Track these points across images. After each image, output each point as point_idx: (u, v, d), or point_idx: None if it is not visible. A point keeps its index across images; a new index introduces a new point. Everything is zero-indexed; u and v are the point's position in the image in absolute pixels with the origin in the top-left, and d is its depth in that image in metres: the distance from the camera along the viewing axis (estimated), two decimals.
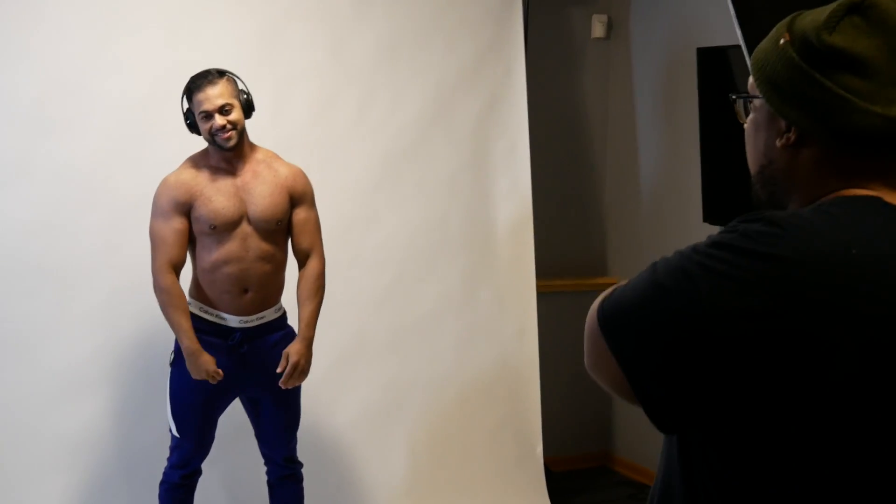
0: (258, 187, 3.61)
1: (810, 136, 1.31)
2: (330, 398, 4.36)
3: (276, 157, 3.72)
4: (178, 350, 3.59)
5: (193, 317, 3.60)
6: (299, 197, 3.69)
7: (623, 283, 1.31)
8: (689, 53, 4.81)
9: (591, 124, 5.52)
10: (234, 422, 3.91)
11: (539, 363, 4.91)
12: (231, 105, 3.51)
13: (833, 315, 1.19)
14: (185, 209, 3.54)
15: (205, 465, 3.76)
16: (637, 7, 5.33)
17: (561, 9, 5.36)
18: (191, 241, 3.59)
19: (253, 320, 3.64)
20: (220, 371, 3.53)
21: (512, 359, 4.87)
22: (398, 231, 4.64)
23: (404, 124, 4.65)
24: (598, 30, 5.43)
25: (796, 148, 1.33)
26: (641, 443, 5.32)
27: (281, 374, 3.63)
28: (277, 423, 3.75)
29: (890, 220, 1.27)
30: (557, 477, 5.19)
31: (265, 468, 3.85)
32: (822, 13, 1.29)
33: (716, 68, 4.62)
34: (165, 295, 3.51)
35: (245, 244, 3.58)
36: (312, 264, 3.72)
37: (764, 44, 1.36)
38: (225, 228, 3.55)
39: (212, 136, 3.52)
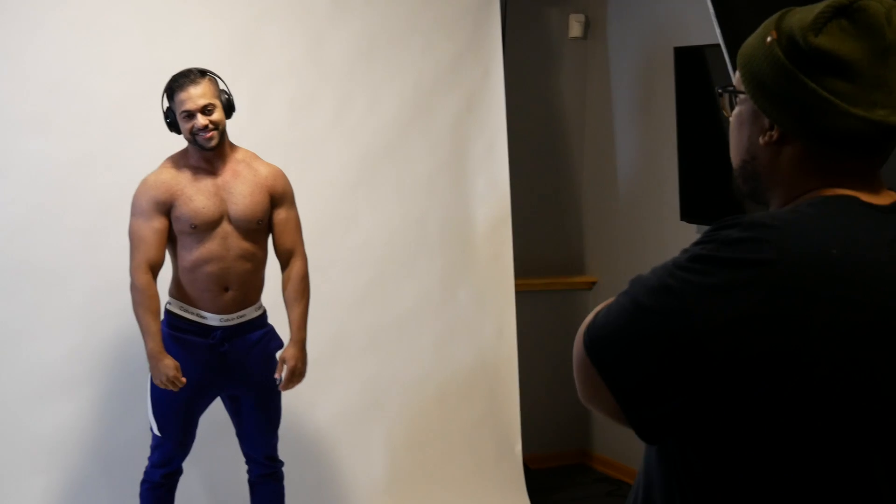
0: (238, 187, 3.61)
1: (792, 135, 1.33)
2: (310, 397, 4.36)
3: (256, 157, 3.72)
4: None
5: (174, 316, 3.61)
6: (279, 197, 3.70)
7: (603, 306, 1.31)
8: (666, 53, 4.84)
9: (568, 124, 5.54)
10: (216, 421, 3.91)
11: (518, 361, 4.93)
12: (213, 105, 3.51)
13: (817, 316, 1.20)
14: (166, 209, 3.54)
15: (186, 464, 3.76)
16: (614, 7, 5.35)
17: (538, 9, 5.38)
18: (171, 240, 3.59)
19: (233, 319, 3.64)
20: (182, 378, 3.51)
21: (491, 357, 4.88)
22: (377, 230, 4.64)
23: (382, 124, 4.65)
24: (575, 29, 5.45)
25: (778, 146, 1.35)
26: (619, 441, 5.35)
27: (263, 372, 3.65)
28: (258, 421, 3.76)
29: (867, 218, 1.29)
30: (536, 474, 5.20)
31: (246, 467, 3.85)
32: (810, 13, 1.30)
33: (693, 68, 4.66)
34: (139, 294, 3.51)
35: (225, 243, 3.59)
36: (297, 266, 3.73)
37: (751, 40, 1.37)
38: (205, 228, 3.55)
39: (193, 136, 3.52)
